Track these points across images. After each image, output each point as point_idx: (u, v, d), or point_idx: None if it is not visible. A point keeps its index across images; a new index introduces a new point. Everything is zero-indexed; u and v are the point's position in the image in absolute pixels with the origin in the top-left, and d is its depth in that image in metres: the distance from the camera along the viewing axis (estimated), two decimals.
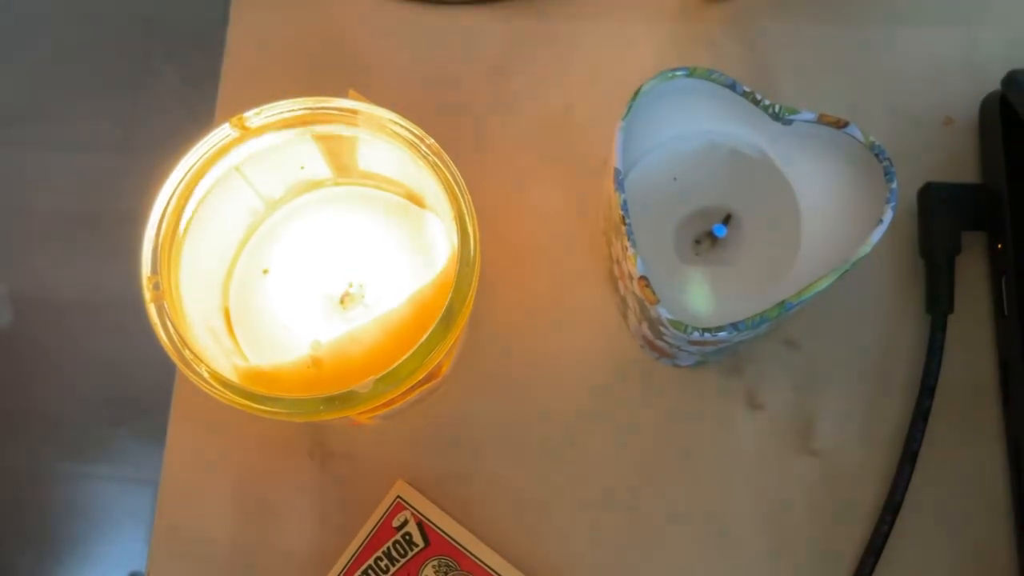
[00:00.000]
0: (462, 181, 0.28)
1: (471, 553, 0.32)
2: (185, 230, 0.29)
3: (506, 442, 0.35)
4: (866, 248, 0.28)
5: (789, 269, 0.32)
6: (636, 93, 0.30)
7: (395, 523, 0.33)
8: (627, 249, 0.29)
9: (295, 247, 0.33)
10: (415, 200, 0.33)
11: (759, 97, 0.31)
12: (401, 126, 0.29)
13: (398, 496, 0.33)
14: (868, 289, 0.36)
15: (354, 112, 0.29)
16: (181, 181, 0.28)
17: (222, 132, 0.29)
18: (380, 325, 0.30)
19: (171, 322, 0.27)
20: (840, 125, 0.30)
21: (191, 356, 0.27)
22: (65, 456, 1.05)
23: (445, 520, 0.33)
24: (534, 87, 0.39)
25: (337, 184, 0.34)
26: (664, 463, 0.35)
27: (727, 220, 0.33)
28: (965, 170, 0.37)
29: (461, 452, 0.35)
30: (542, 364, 0.36)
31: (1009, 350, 0.34)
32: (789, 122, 0.31)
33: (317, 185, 0.33)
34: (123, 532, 1.04)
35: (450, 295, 0.27)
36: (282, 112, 0.29)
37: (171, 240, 0.28)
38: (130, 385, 1.04)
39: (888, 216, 0.28)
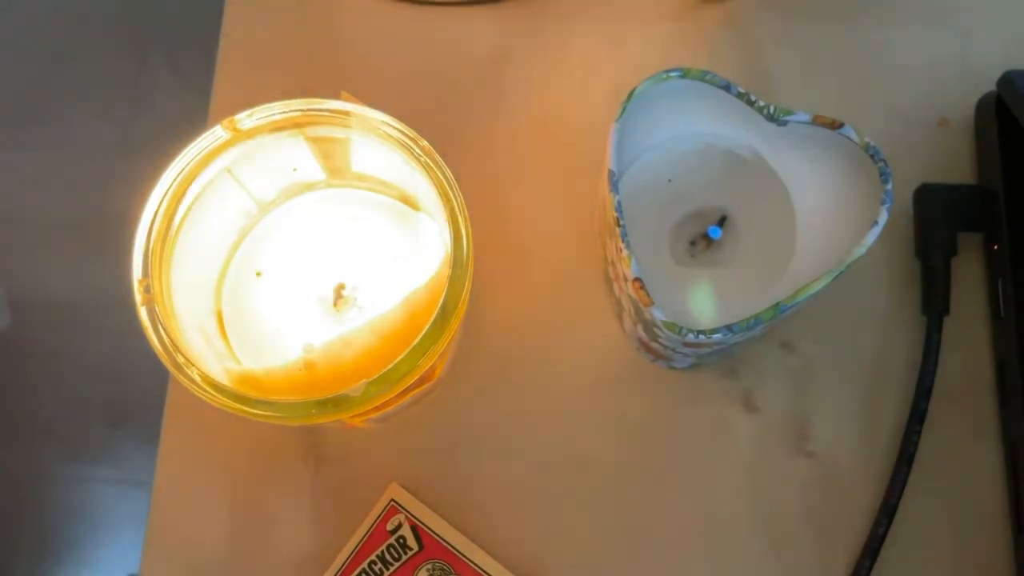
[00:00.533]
0: (455, 182, 0.28)
1: (466, 557, 0.32)
2: (177, 232, 0.29)
3: (501, 445, 0.35)
4: (861, 250, 0.28)
5: (784, 271, 0.32)
6: (630, 94, 0.30)
7: (389, 527, 0.33)
8: (621, 251, 0.29)
9: (288, 249, 0.33)
10: (409, 202, 0.33)
11: (754, 98, 0.30)
12: (394, 127, 0.29)
13: (392, 499, 0.33)
14: (864, 291, 0.36)
15: (346, 114, 0.29)
16: (172, 184, 0.28)
17: (213, 134, 0.28)
18: (373, 328, 0.30)
19: (162, 325, 0.27)
20: (835, 126, 0.30)
21: (182, 360, 0.27)
22: (63, 459, 1.05)
23: (439, 524, 0.33)
24: (528, 88, 0.39)
25: (330, 186, 0.33)
26: (660, 466, 0.34)
27: (722, 222, 0.33)
28: (961, 171, 0.37)
29: (455, 455, 0.35)
30: (537, 367, 0.35)
31: (1005, 351, 0.34)
32: (784, 123, 0.31)
33: (310, 187, 0.33)
34: (122, 535, 1.04)
35: (443, 297, 0.27)
36: (274, 114, 0.29)
37: (162, 243, 0.28)
38: (128, 387, 1.04)
39: (883, 217, 0.28)
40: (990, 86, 0.36)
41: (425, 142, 0.29)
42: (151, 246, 0.28)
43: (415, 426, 0.35)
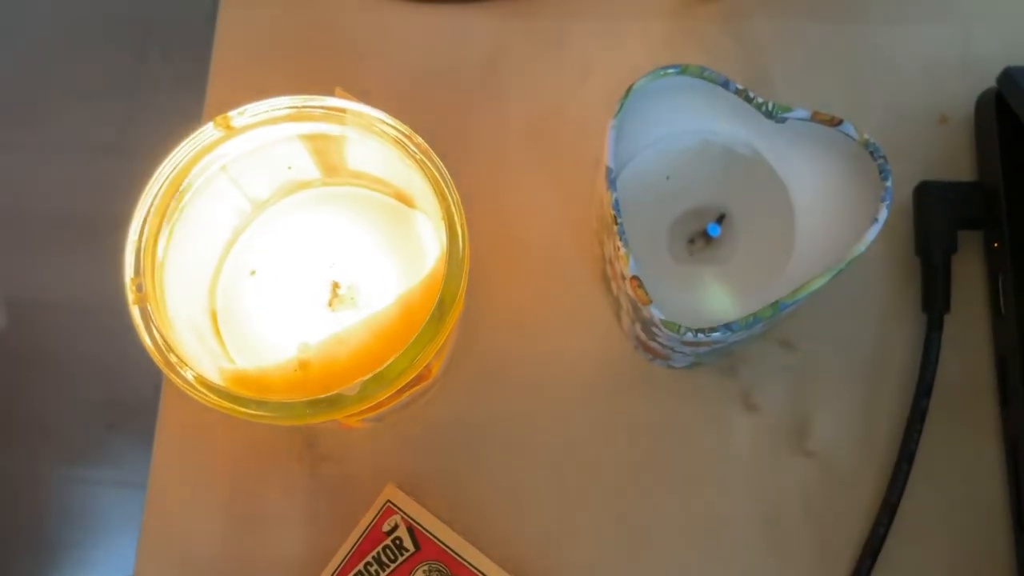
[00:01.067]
0: (450, 179, 0.28)
1: (462, 558, 0.32)
2: (170, 232, 0.28)
3: (498, 445, 0.34)
4: (861, 247, 0.28)
5: (783, 268, 0.32)
6: (628, 91, 0.30)
7: (385, 527, 0.32)
8: (619, 249, 0.29)
9: (283, 248, 0.33)
10: (404, 200, 0.33)
11: (752, 95, 0.30)
12: (388, 125, 0.28)
13: (388, 500, 0.33)
14: (864, 288, 0.35)
15: (341, 111, 0.28)
16: (164, 182, 0.28)
17: (206, 132, 0.28)
18: (368, 326, 0.30)
19: (154, 325, 0.26)
20: (834, 123, 0.29)
21: (175, 359, 0.26)
22: (61, 460, 1.05)
23: (436, 524, 0.32)
24: (525, 85, 0.38)
25: (325, 184, 0.33)
26: (659, 465, 0.34)
27: (721, 219, 0.33)
28: (961, 168, 0.37)
29: (452, 455, 0.34)
30: (534, 366, 0.35)
31: (1006, 349, 0.33)
32: (783, 120, 0.30)
33: (305, 185, 0.33)
34: (120, 536, 1.03)
35: (439, 295, 0.27)
36: (267, 111, 0.28)
37: (154, 242, 0.28)
38: (126, 388, 1.04)
39: (883, 215, 0.28)
40: (990, 82, 0.35)
41: (420, 139, 0.28)
42: (143, 245, 0.27)
43: (411, 426, 0.35)
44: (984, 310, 0.35)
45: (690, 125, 0.33)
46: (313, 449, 0.35)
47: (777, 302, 0.28)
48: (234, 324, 0.32)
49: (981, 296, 0.35)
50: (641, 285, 0.28)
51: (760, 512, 0.34)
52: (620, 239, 0.29)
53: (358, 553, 0.32)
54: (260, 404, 0.26)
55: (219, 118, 0.28)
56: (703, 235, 0.33)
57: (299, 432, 0.35)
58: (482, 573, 0.32)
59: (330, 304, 0.32)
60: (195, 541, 0.34)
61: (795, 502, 0.34)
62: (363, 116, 0.28)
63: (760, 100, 0.30)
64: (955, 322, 0.35)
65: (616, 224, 0.29)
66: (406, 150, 0.28)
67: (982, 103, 0.36)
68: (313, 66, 0.39)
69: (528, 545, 0.33)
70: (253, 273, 0.32)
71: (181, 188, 0.28)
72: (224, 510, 0.34)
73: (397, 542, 0.32)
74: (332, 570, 0.32)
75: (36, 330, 1.08)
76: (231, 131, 0.28)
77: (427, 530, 0.32)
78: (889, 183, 0.28)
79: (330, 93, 0.30)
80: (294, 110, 0.29)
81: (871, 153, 0.29)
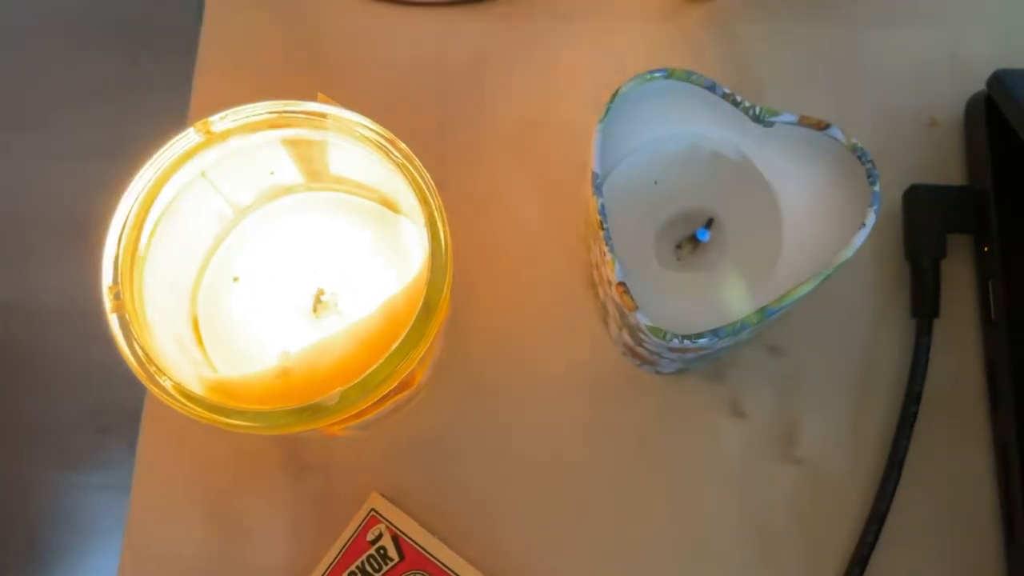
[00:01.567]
0: (433, 184, 0.28)
1: (447, 567, 0.32)
2: (149, 238, 0.28)
3: (484, 452, 0.34)
4: (848, 252, 0.28)
5: (771, 273, 0.31)
6: (614, 95, 0.30)
7: (369, 537, 0.32)
8: (605, 254, 0.29)
9: (266, 254, 0.32)
10: (389, 205, 0.32)
11: (739, 99, 0.30)
12: (370, 129, 0.28)
13: (372, 509, 0.32)
14: (853, 293, 0.35)
15: (322, 116, 0.28)
16: (143, 188, 0.27)
17: (186, 137, 0.28)
18: (351, 334, 0.30)
19: (133, 333, 0.26)
20: (821, 127, 0.29)
21: (154, 369, 0.26)
22: (53, 465, 1.04)
23: (421, 534, 0.32)
24: (512, 89, 0.38)
25: (309, 189, 0.33)
26: (646, 472, 0.34)
27: (709, 224, 0.32)
28: (951, 171, 0.36)
29: (438, 463, 0.34)
30: (522, 372, 0.35)
31: (996, 354, 0.33)
32: (770, 124, 0.30)
33: (288, 191, 0.33)
34: (111, 541, 1.03)
35: (421, 302, 0.26)
36: (248, 116, 0.28)
37: (133, 248, 0.27)
38: (117, 393, 1.03)
39: (871, 219, 0.28)
40: (980, 85, 0.35)
41: (403, 144, 0.28)
42: (121, 252, 0.27)
43: (397, 433, 0.34)
44: (974, 315, 0.35)
45: (678, 129, 0.33)
46: (297, 457, 0.34)
47: (764, 308, 0.28)
48: (216, 331, 0.31)
49: (971, 301, 0.35)
50: (627, 291, 0.28)
51: (748, 520, 0.33)
52: (606, 244, 0.28)
53: (342, 562, 0.32)
54: (240, 414, 0.26)
55: (199, 123, 0.28)
56: (691, 240, 0.32)
57: (282, 440, 0.34)
58: None
59: (314, 311, 0.31)
60: (178, 550, 0.34)
61: (783, 509, 0.33)
62: (345, 121, 0.28)
63: (747, 104, 0.30)
64: (945, 327, 0.34)
65: (602, 229, 0.29)
66: (388, 155, 0.28)
67: (972, 106, 0.36)
68: (298, 70, 0.39)
69: (515, 554, 0.33)
70: (236, 280, 0.32)
71: (161, 194, 0.28)
72: (207, 519, 0.34)
73: (381, 551, 0.32)
74: None
75: (27, 334, 1.08)
76: (212, 136, 0.28)
77: (412, 539, 0.32)
78: (877, 187, 0.28)
79: (313, 97, 0.29)
80: (275, 115, 0.28)
81: (859, 157, 0.29)
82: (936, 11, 0.38)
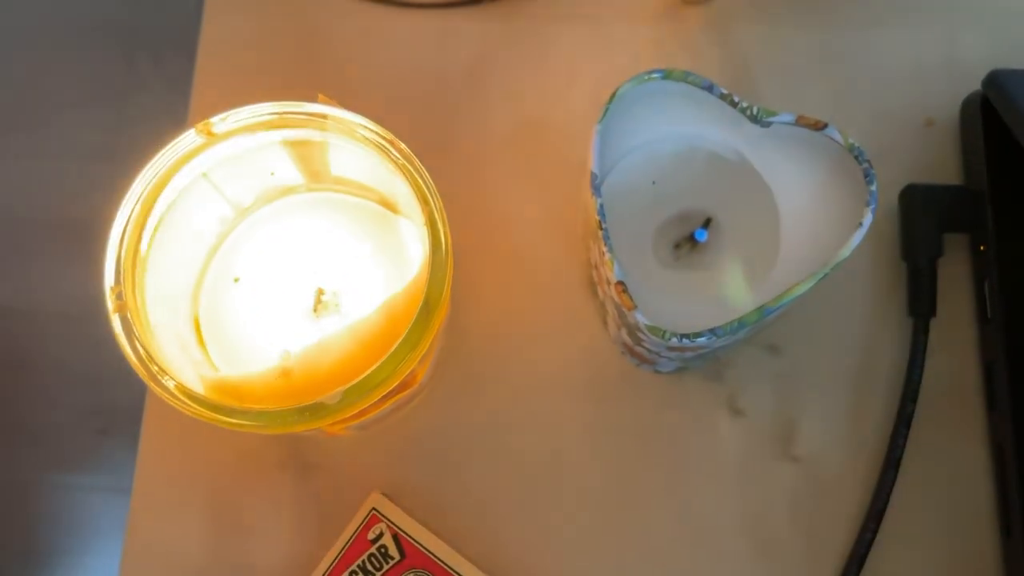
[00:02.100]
0: (432, 185, 0.28)
1: (448, 566, 0.32)
2: (151, 239, 0.28)
3: (485, 451, 0.34)
4: (845, 252, 0.28)
5: (769, 273, 0.31)
6: (612, 96, 0.30)
7: (370, 536, 0.32)
8: (604, 254, 0.29)
9: (267, 255, 0.32)
10: (389, 206, 0.33)
11: (736, 99, 0.30)
12: (371, 130, 0.28)
13: (373, 508, 0.32)
14: (850, 293, 0.35)
15: (323, 117, 0.28)
16: (144, 189, 0.27)
17: (187, 138, 0.28)
18: (351, 334, 0.30)
19: (135, 333, 0.26)
20: (818, 127, 0.29)
21: (156, 368, 0.26)
22: (52, 466, 1.04)
23: (421, 532, 0.32)
24: (510, 90, 0.38)
25: (309, 190, 0.33)
26: (645, 471, 0.34)
27: (707, 224, 0.33)
28: (947, 171, 0.37)
29: (438, 462, 0.34)
30: (522, 371, 0.35)
31: (993, 354, 0.33)
32: (767, 124, 0.30)
33: (289, 191, 0.33)
34: (111, 543, 1.03)
35: (421, 302, 0.26)
36: (249, 117, 0.28)
37: (135, 249, 0.27)
38: (116, 394, 1.03)
39: (868, 219, 0.28)
40: (975, 85, 0.35)
41: (403, 145, 0.28)
42: (123, 253, 0.27)
43: (397, 433, 0.34)
44: (970, 314, 0.35)
45: (675, 129, 0.33)
46: (298, 457, 0.34)
47: (762, 307, 0.28)
48: (218, 332, 0.31)
49: (967, 300, 0.35)
50: (626, 290, 0.28)
51: (746, 518, 0.33)
52: (605, 244, 0.29)
53: (343, 561, 0.32)
54: (241, 413, 0.26)
55: (200, 124, 0.28)
56: (689, 240, 0.33)
57: (283, 440, 0.34)
58: None
59: (315, 311, 0.31)
60: (179, 549, 0.34)
61: (781, 508, 0.33)
62: (345, 122, 0.28)
63: (744, 104, 0.30)
64: (941, 327, 0.34)
65: (601, 229, 0.29)
66: (389, 156, 0.28)
67: (968, 106, 0.36)
68: (298, 71, 0.39)
69: (515, 553, 0.33)
70: (237, 280, 0.32)
71: (162, 195, 0.28)
72: (208, 518, 0.34)
73: (382, 550, 0.32)
74: None
75: (25, 337, 1.08)
76: (213, 137, 0.28)
77: (413, 538, 0.32)
78: (874, 187, 0.28)
79: (314, 98, 0.30)
80: (276, 116, 0.28)
81: (856, 157, 0.29)
82: (932, 11, 0.38)
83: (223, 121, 0.28)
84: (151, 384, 0.26)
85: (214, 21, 0.39)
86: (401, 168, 0.28)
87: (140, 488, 0.34)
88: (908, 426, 0.33)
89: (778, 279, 0.31)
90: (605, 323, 0.35)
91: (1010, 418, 0.32)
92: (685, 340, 0.28)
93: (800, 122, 0.30)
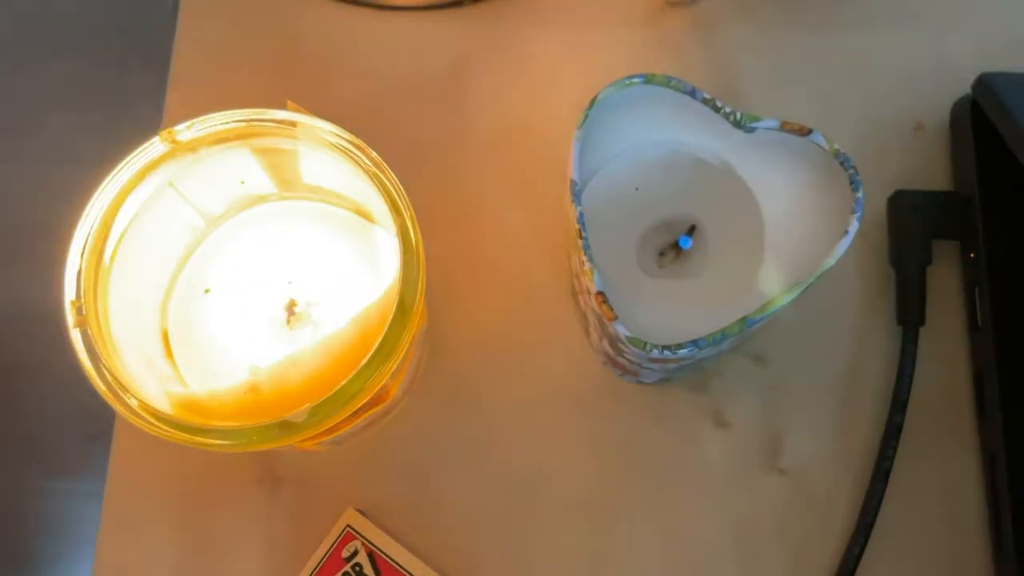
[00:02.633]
0: (404, 194, 0.27)
1: None
2: (114, 250, 0.27)
3: (463, 465, 0.33)
4: (830, 261, 0.27)
5: (753, 281, 0.31)
6: (592, 102, 0.29)
7: (345, 553, 0.31)
8: (584, 263, 0.28)
9: (238, 265, 0.31)
10: (363, 215, 0.32)
11: (719, 104, 0.29)
12: (341, 138, 0.27)
13: (348, 525, 0.32)
14: (837, 301, 0.35)
15: (291, 124, 0.27)
16: (106, 200, 0.27)
17: (150, 147, 0.27)
18: (322, 348, 0.29)
19: (96, 350, 0.25)
20: (803, 132, 0.29)
21: (119, 386, 0.25)
22: (42, 472, 1.04)
23: (397, 550, 0.31)
24: (491, 95, 0.37)
25: (282, 199, 0.32)
26: (629, 484, 0.33)
27: (691, 231, 0.32)
28: (936, 177, 0.36)
29: (415, 477, 0.33)
30: (501, 384, 0.34)
31: (983, 362, 0.33)
32: (751, 130, 0.29)
33: (260, 200, 0.32)
34: None
35: (391, 316, 0.26)
36: (216, 125, 0.27)
37: (97, 261, 0.27)
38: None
39: (854, 227, 0.27)
40: (965, 89, 0.35)
41: (374, 152, 0.27)
42: (84, 265, 0.26)
43: (373, 447, 0.34)
44: (960, 322, 0.34)
45: (658, 135, 0.32)
46: (272, 471, 0.33)
47: (745, 318, 0.27)
48: (187, 345, 0.31)
49: (957, 308, 0.34)
50: (606, 301, 0.28)
51: (731, 532, 0.33)
52: (585, 254, 0.28)
53: None
54: (206, 431, 0.25)
55: (164, 132, 0.27)
56: (673, 247, 0.32)
57: (257, 454, 0.34)
58: None
59: (288, 322, 0.31)
60: (150, 566, 0.33)
61: (768, 521, 0.33)
62: (314, 130, 0.27)
63: (728, 110, 0.29)
64: (930, 335, 0.34)
65: (581, 239, 0.28)
66: (359, 163, 0.27)
67: (957, 110, 0.36)
68: (274, 78, 0.38)
69: (494, 570, 0.32)
70: (207, 291, 0.31)
71: (124, 205, 0.27)
72: (180, 534, 0.33)
73: (357, 568, 0.31)
74: None
75: (16, 341, 1.07)
76: (178, 146, 0.27)
77: (388, 556, 0.31)
78: (860, 194, 0.28)
79: (283, 106, 0.29)
80: (243, 124, 0.27)
81: (842, 163, 0.28)
82: (921, 14, 0.38)
83: (188, 129, 0.27)
84: (113, 402, 0.25)
85: (188, 27, 0.39)
86: (372, 176, 0.27)
87: (110, 503, 0.34)
88: (897, 437, 0.33)
89: (762, 288, 0.30)
90: (587, 333, 0.34)
91: (1002, 428, 0.31)
92: (667, 352, 0.27)
93: (785, 128, 0.29)
